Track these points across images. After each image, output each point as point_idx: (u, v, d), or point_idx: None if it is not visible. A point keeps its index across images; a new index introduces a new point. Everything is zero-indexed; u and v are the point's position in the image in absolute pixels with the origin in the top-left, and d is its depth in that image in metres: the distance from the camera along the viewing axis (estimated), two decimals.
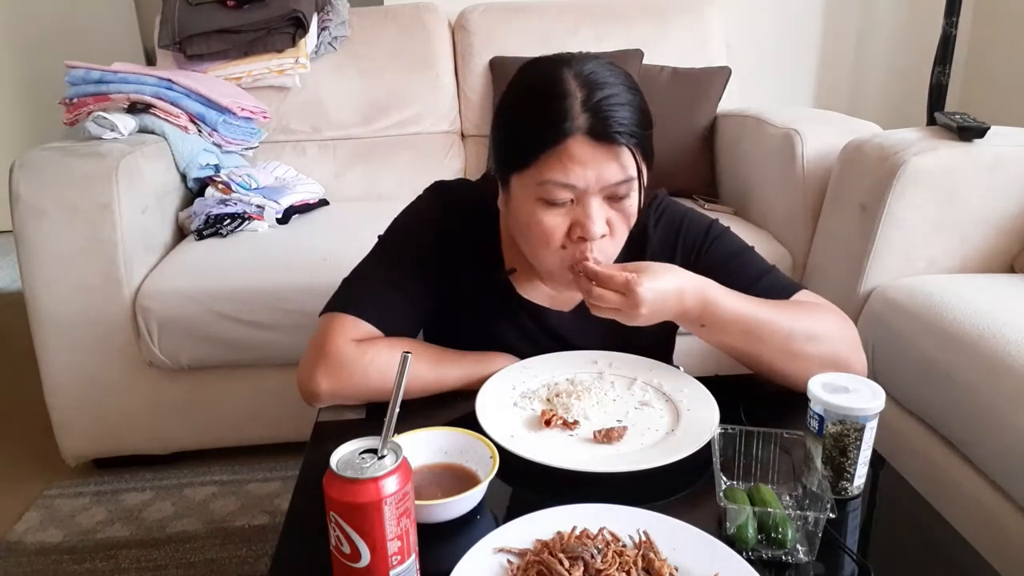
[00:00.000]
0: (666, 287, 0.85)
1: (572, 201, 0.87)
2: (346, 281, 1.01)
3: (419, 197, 1.07)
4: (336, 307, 0.96)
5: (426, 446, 0.80)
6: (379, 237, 1.04)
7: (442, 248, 1.01)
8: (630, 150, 0.85)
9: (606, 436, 0.84)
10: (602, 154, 0.84)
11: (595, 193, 0.86)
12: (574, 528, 0.69)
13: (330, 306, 0.97)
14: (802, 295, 0.98)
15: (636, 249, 1.03)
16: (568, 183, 0.85)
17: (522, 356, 1.02)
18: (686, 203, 1.17)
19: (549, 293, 1.04)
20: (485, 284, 1.03)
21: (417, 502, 0.66)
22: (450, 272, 1.02)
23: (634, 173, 0.86)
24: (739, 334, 0.90)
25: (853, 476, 0.76)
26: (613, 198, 0.88)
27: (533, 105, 0.87)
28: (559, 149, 0.84)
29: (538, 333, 1.04)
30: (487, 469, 0.75)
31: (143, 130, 1.85)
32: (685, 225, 1.03)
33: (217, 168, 1.95)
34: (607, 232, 0.89)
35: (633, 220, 0.91)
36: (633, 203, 0.89)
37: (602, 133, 0.84)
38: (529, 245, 0.93)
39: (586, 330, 1.04)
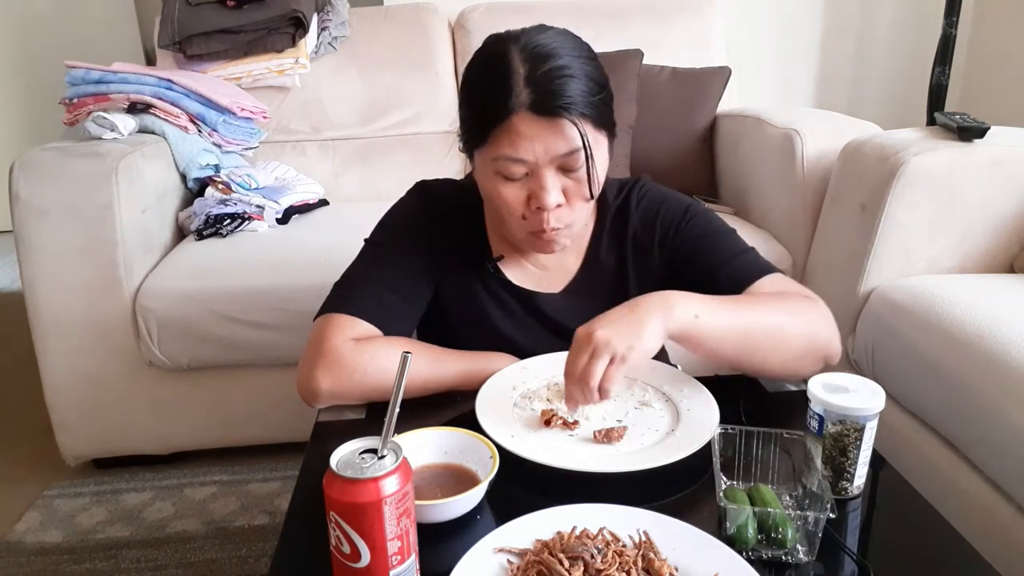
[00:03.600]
0: (606, 312, 0.85)
1: (527, 174, 0.90)
2: (338, 284, 1.01)
3: (402, 197, 1.08)
4: (332, 308, 0.96)
5: (426, 446, 0.80)
6: (365, 240, 1.05)
7: (430, 243, 1.02)
8: (574, 122, 0.86)
9: (606, 436, 0.84)
10: (547, 128, 0.86)
11: (546, 164, 0.88)
12: (574, 528, 0.69)
13: (325, 308, 0.97)
14: (775, 278, 0.98)
15: (618, 230, 1.05)
16: (518, 157, 0.87)
17: (516, 343, 1.03)
18: None
19: (538, 276, 1.05)
20: (474, 274, 1.04)
21: (417, 502, 0.66)
22: (440, 266, 1.03)
23: (579, 144, 0.87)
24: (721, 330, 0.88)
25: (853, 476, 0.76)
26: (566, 168, 0.90)
27: (482, 83, 0.91)
28: (506, 126, 0.87)
29: (530, 318, 1.05)
30: (487, 469, 0.75)
31: (143, 130, 1.85)
32: (665, 204, 1.05)
33: (217, 168, 1.95)
34: (562, 201, 0.91)
35: (592, 189, 0.91)
36: (585, 171, 0.90)
37: (544, 107, 0.86)
38: (498, 215, 0.97)
39: (577, 310, 1.04)
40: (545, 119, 0.86)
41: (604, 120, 0.91)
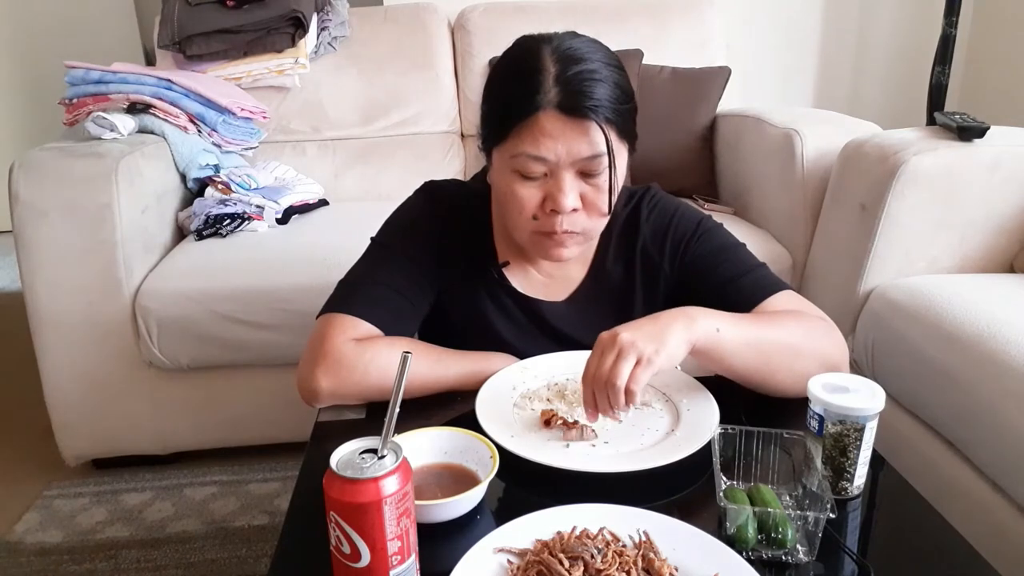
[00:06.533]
0: (630, 322, 0.83)
1: (546, 174, 0.89)
2: (342, 283, 1.01)
3: (410, 197, 1.08)
4: (334, 308, 0.96)
5: (426, 446, 0.80)
6: (372, 239, 1.05)
7: (435, 245, 1.02)
8: (600, 126, 0.86)
9: (579, 432, 0.83)
10: (572, 128, 0.86)
11: (567, 167, 0.88)
12: (574, 528, 0.69)
13: (328, 307, 0.97)
14: (787, 295, 0.97)
15: (627, 240, 1.05)
16: (539, 156, 0.87)
17: (518, 349, 1.02)
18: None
19: (543, 284, 1.05)
20: (478, 278, 1.04)
21: (417, 502, 0.66)
22: (444, 268, 1.02)
23: (603, 149, 0.87)
24: (740, 346, 0.88)
25: (853, 476, 0.76)
26: (586, 173, 0.89)
27: (510, 79, 0.91)
28: (531, 122, 0.86)
29: (533, 326, 1.04)
30: (487, 469, 0.75)
31: (143, 130, 1.85)
32: (676, 217, 1.04)
33: (217, 168, 1.95)
34: (578, 206, 0.90)
35: (609, 198, 0.91)
36: (606, 179, 0.89)
37: (572, 107, 0.85)
38: (506, 215, 0.96)
39: (580, 319, 1.04)
40: (571, 119, 0.85)
41: (627, 131, 0.91)
